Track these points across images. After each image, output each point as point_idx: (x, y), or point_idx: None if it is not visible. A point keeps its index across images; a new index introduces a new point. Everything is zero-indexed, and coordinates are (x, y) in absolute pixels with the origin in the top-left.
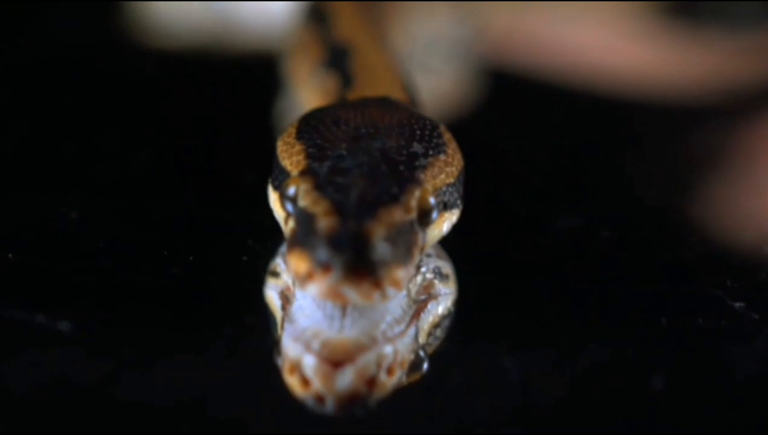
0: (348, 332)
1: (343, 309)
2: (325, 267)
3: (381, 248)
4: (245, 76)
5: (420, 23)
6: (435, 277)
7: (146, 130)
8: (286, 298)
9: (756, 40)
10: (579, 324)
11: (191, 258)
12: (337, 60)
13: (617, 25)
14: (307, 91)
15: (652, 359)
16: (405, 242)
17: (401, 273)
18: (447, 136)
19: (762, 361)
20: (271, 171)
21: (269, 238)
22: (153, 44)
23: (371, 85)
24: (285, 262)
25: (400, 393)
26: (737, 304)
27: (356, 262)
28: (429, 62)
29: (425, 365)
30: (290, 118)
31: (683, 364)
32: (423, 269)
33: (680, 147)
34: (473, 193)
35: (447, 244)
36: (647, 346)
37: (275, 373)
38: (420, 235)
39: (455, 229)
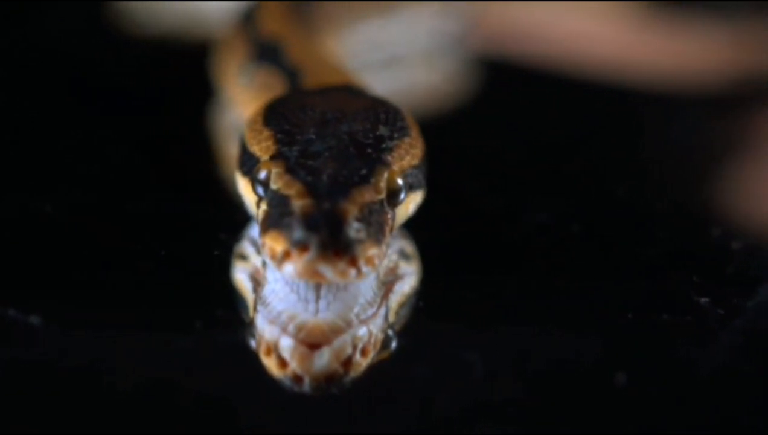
0: (323, 315)
1: (317, 292)
2: (301, 246)
3: (355, 227)
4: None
5: (409, 17)
6: (399, 258)
7: (121, 124)
8: (256, 281)
9: (749, 29)
10: (543, 318)
11: (163, 252)
12: (268, 55)
13: (609, 14)
14: (236, 88)
15: (616, 354)
16: (377, 222)
17: (375, 251)
18: (410, 119)
19: (726, 356)
20: (238, 158)
21: (240, 232)
22: (132, 36)
23: (323, 75)
24: (258, 244)
25: (373, 372)
26: (702, 300)
27: (332, 240)
28: (419, 57)
29: (396, 344)
30: (221, 118)
31: (647, 359)
32: (389, 251)
33: (664, 139)
34: (449, 184)
35: (414, 233)
36: (611, 341)
37: (251, 355)
38: (390, 215)
39: (425, 222)
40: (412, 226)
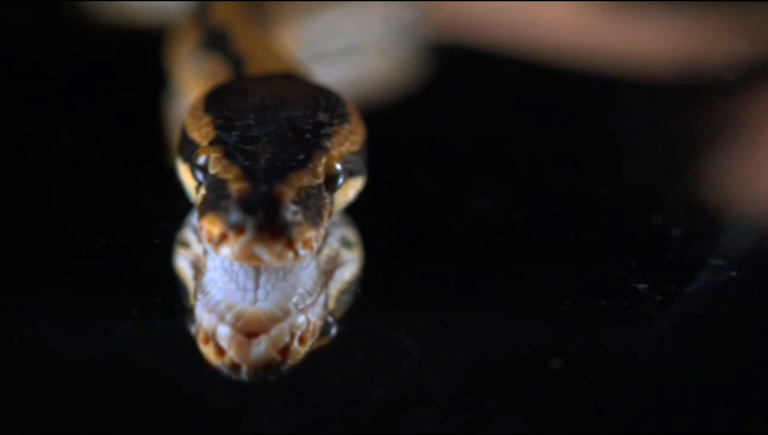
0: (261, 304)
1: (256, 281)
2: (238, 229)
3: (292, 210)
4: None
5: (364, 6)
6: (341, 246)
7: (71, 110)
8: (197, 269)
9: (723, 15)
10: (482, 304)
11: (103, 241)
12: (216, 43)
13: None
14: (186, 75)
15: (553, 340)
16: (314, 205)
17: (312, 234)
18: (350, 106)
19: (662, 343)
20: (178, 145)
21: (182, 221)
22: (89, 21)
23: (266, 63)
24: (196, 228)
25: (311, 359)
26: (641, 286)
27: (269, 223)
28: (373, 45)
29: (335, 332)
30: (173, 105)
31: (583, 345)
32: (330, 239)
33: (610, 126)
34: (394, 170)
35: (358, 220)
36: (548, 327)
37: (189, 342)
38: (328, 200)
39: (369, 209)
40: (355, 213)
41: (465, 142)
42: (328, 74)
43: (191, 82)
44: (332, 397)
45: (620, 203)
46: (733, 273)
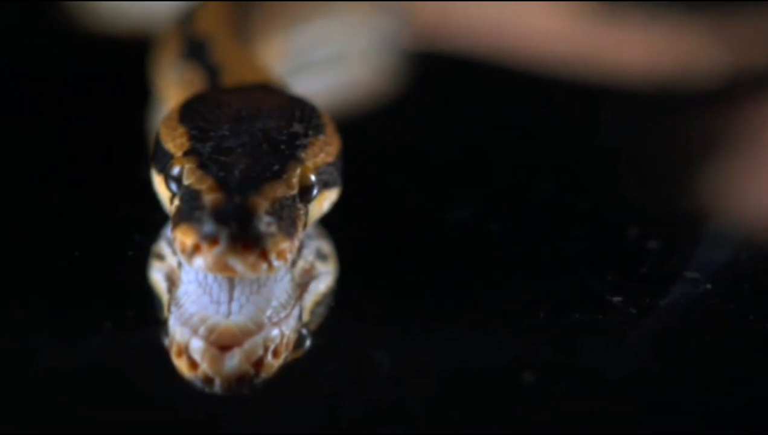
0: (235, 317)
1: (230, 294)
2: (211, 239)
3: (266, 221)
4: None
5: (348, 16)
6: (315, 258)
7: (52, 119)
8: (172, 281)
9: (705, 26)
10: (457, 317)
11: (77, 253)
12: (195, 52)
13: (551, 8)
14: (165, 84)
15: (526, 353)
16: (288, 216)
17: (286, 245)
18: (326, 118)
19: (635, 356)
20: (153, 155)
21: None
22: (78, 30)
23: (242, 73)
24: (171, 240)
25: (285, 372)
26: (615, 299)
27: (242, 234)
28: (353, 54)
29: (309, 344)
30: (157, 115)
31: (556, 358)
32: (304, 252)
33: (589, 137)
34: (372, 181)
35: (335, 232)
36: (522, 340)
37: (163, 355)
38: (302, 211)
39: (346, 220)
40: (332, 224)
41: (444, 153)
42: (313, 84)
43: (170, 92)
44: (306, 410)
45: (596, 215)
46: (709, 286)
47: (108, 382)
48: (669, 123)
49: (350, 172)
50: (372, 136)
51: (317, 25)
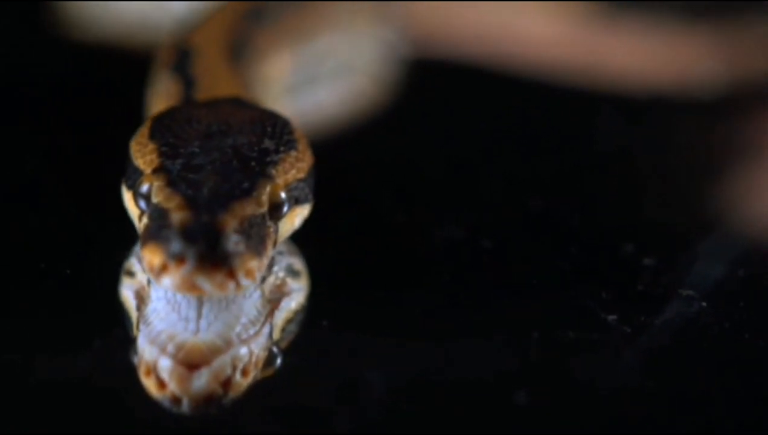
0: (203, 335)
1: (199, 311)
2: (178, 259)
3: (234, 240)
4: None
5: (346, 28)
6: (287, 275)
7: (41, 132)
8: (141, 298)
9: (710, 30)
10: (445, 334)
11: (42, 265)
12: (180, 64)
13: (547, 15)
14: (152, 95)
15: (518, 372)
16: (257, 235)
17: (255, 263)
18: (298, 133)
19: (629, 375)
20: (124, 171)
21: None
22: (74, 39)
23: (215, 87)
24: (139, 258)
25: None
26: (610, 317)
27: (210, 253)
28: (355, 66)
29: (279, 362)
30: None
31: (548, 377)
32: (275, 268)
33: (585, 150)
34: (360, 196)
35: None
36: (515, 358)
37: (132, 374)
38: (272, 229)
39: (331, 237)
40: (313, 240)
41: (437, 165)
42: (319, 96)
43: (155, 103)
44: (276, 429)
45: (590, 232)
46: (704, 304)
47: (76, 401)
48: (667, 134)
49: (333, 185)
50: (366, 146)
51: (324, 39)
